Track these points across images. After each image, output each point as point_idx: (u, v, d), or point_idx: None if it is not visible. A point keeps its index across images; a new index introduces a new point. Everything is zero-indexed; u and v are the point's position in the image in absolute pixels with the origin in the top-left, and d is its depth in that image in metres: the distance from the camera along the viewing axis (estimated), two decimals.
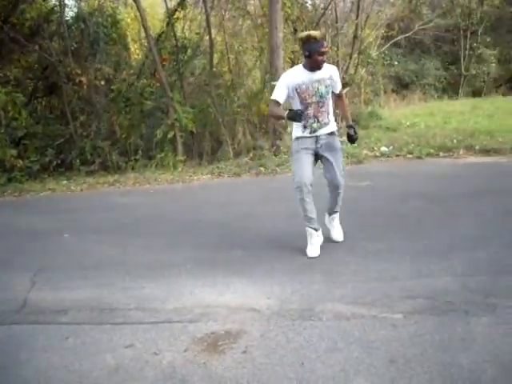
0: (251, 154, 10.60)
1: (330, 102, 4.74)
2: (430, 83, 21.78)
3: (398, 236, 5.07)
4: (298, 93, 4.56)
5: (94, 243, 5.76)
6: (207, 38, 11.70)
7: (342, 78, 12.34)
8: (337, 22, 13.47)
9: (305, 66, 4.57)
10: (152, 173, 10.31)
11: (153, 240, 5.70)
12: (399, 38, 19.62)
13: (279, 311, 3.59)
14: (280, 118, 4.90)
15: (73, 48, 12.01)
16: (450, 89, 22.30)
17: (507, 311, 3.41)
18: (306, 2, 13.19)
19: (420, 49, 23.36)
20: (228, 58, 12.31)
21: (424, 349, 3.00)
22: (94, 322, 3.65)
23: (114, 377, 2.93)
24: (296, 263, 4.56)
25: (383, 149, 10.07)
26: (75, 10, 13.04)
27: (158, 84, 11.75)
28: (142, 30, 11.89)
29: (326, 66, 4.61)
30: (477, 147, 9.82)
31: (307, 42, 4.42)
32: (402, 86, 21.07)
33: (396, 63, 20.97)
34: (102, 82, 12.11)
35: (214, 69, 12.16)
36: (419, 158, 9.57)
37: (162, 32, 12.00)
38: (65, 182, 10.41)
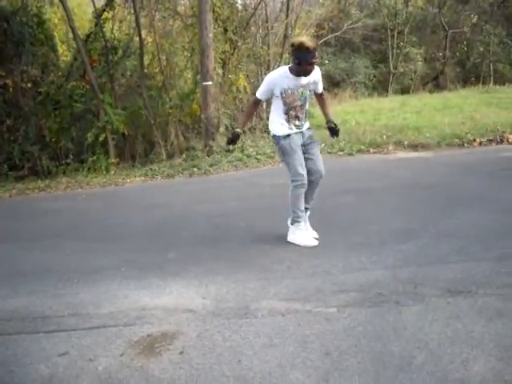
0: (184, 155, 10.54)
1: None
2: (361, 81, 22.23)
3: (330, 231, 5.15)
4: (283, 97, 4.64)
5: (24, 250, 5.59)
6: (137, 38, 11.55)
7: None
8: (267, 22, 13.53)
9: (291, 71, 4.58)
10: (84, 177, 10.10)
11: (86, 245, 5.59)
12: (329, 37, 19.95)
13: (215, 310, 3.60)
14: (243, 121, 5.02)
15: None
16: (380, 86, 22.82)
17: (435, 300, 3.54)
18: (236, 2, 13.18)
19: (350, 48, 23.81)
20: (159, 58, 12.16)
21: (357, 340, 3.07)
22: (26, 332, 3.54)
23: None
24: (231, 262, 4.58)
25: None
26: None
27: (88, 86, 11.50)
28: (70, 30, 11.60)
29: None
30: (405, 143, 10.10)
31: (299, 50, 4.43)
32: (333, 84, 21.38)
33: (327, 62, 21.29)
34: (29, 85, 11.72)
35: (145, 70, 12.01)
36: (350, 154, 9.76)
37: (91, 33, 11.74)
38: None
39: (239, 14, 12.88)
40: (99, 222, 6.64)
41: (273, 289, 3.90)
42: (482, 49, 21.92)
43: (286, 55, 12.84)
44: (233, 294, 3.86)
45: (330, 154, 9.80)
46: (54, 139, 11.51)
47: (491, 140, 9.93)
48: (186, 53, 12.79)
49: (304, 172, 4.72)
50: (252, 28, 13.44)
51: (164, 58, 12.32)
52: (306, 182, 4.75)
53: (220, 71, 11.89)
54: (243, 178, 8.58)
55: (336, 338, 3.11)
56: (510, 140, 9.87)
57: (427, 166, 8.49)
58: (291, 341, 3.12)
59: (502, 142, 9.87)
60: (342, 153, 9.82)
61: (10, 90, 11.46)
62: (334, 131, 5.07)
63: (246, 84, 12.64)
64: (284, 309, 3.54)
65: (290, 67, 4.62)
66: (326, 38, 19.34)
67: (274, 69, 12.75)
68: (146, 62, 12.01)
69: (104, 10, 11.70)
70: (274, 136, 4.91)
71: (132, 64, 12.66)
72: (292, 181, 4.79)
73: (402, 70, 22.36)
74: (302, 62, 4.47)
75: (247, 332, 3.26)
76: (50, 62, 12.33)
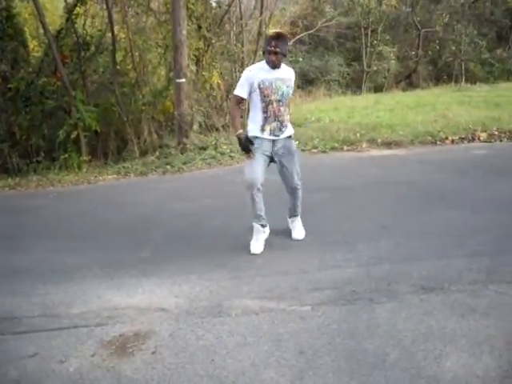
0: (157, 153, 10.42)
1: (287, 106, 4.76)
2: (334, 79, 22.29)
3: (304, 229, 5.14)
4: (260, 88, 4.52)
5: None
6: (110, 34, 11.42)
7: None
8: (241, 19, 13.51)
9: (267, 63, 4.55)
10: (56, 174, 9.94)
11: (57, 244, 5.49)
12: (303, 34, 20.00)
13: (188, 309, 3.57)
14: (234, 125, 4.89)
15: None
16: (354, 84, 22.91)
17: (408, 297, 3.56)
18: None
19: (324, 46, 23.85)
20: (132, 55, 12.03)
21: (332, 338, 3.07)
22: None
23: None
24: (204, 260, 4.55)
25: None
26: None
27: (60, 82, 11.34)
28: (41, 25, 11.42)
29: (286, 68, 4.69)
30: (379, 140, 10.14)
31: (265, 39, 4.48)
32: (307, 82, 21.40)
33: (301, 60, 21.30)
34: None
35: (118, 66, 11.90)
36: (324, 152, 9.76)
37: (62, 28, 11.58)
38: None
39: (213, 11, 12.85)
40: (71, 220, 6.55)
41: (246, 287, 3.88)
42: (453, 48, 22.17)
43: (259, 52, 12.83)
44: (206, 293, 3.83)
45: (304, 152, 9.80)
46: (24, 136, 11.35)
47: (463, 138, 10.05)
48: (159, 49, 12.70)
49: (255, 180, 4.60)
50: (226, 25, 13.43)
51: (137, 54, 12.20)
52: (255, 186, 4.61)
53: (194, 68, 11.84)
54: (217, 176, 8.54)
55: (310, 337, 3.10)
56: (481, 138, 9.99)
57: (400, 163, 8.54)
58: (265, 339, 3.10)
59: (473, 139, 9.99)
60: (315, 150, 9.83)
61: None
62: None
63: (219, 81, 12.61)
64: (258, 307, 3.53)
65: (266, 60, 4.59)
66: (299, 36, 19.40)
67: (248, 66, 12.79)
68: (118, 59, 11.90)
69: (75, 5, 11.54)
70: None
71: (104, 60, 12.51)
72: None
73: (375, 69, 22.51)
74: (265, 50, 4.50)
75: (221, 331, 3.23)
76: (20, 57, 12.13)
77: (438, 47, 23.29)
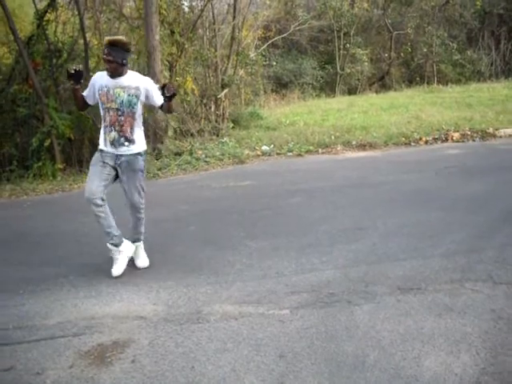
0: None
1: (139, 119, 4.46)
2: (308, 82, 22.32)
3: (281, 233, 5.16)
4: (99, 94, 4.33)
5: None
6: (82, 41, 11.33)
7: (221, 80, 12.42)
8: (214, 24, 13.51)
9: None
10: (29, 183, 9.81)
11: (32, 254, 5.41)
12: (276, 38, 20.01)
13: (166, 316, 3.55)
14: (75, 97, 4.54)
15: None
16: (327, 87, 22.98)
17: (386, 298, 3.58)
18: (183, 4, 13.10)
19: (297, 49, 23.91)
20: None
21: (311, 341, 3.08)
22: None
23: None
24: (181, 267, 4.53)
25: (264, 148, 10.21)
26: None
27: (32, 90, 11.21)
28: (11, 32, 11.28)
29: (136, 76, 4.40)
30: (353, 142, 10.22)
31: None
32: (281, 85, 21.43)
33: (274, 63, 21.34)
34: None
35: (91, 73, 11.79)
36: (299, 155, 9.80)
37: (33, 35, 11.43)
38: None
39: (186, 16, 12.81)
40: (45, 229, 6.46)
41: (225, 292, 3.88)
42: (425, 50, 22.39)
43: (233, 57, 12.84)
44: (184, 299, 3.81)
45: (279, 155, 9.84)
46: None
47: (436, 138, 10.20)
48: (132, 55, 12.63)
49: (91, 193, 4.38)
50: (199, 30, 13.38)
51: None
52: (90, 200, 4.38)
53: (167, 74, 11.79)
54: (192, 182, 8.51)
55: (290, 340, 3.11)
56: (454, 138, 10.15)
57: (375, 165, 8.61)
58: (245, 344, 3.10)
59: (446, 140, 10.16)
60: (290, 153, 9.85)
61: None
62: (163, 93, 4.23)
63: (193, 86, 12.55)
64: (237, 312, 3.52)
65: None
66: (273, 40, 19.42)
67: (221, 71, 12.83)
68: (91, 65, 11.79)
69: (46, 12, 11.37)
70: None
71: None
72: None
73: (348, 71, 22.60)
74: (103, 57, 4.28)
75: (200, 337, 3.22)
76: None
77: (410, 49, 23.53)
